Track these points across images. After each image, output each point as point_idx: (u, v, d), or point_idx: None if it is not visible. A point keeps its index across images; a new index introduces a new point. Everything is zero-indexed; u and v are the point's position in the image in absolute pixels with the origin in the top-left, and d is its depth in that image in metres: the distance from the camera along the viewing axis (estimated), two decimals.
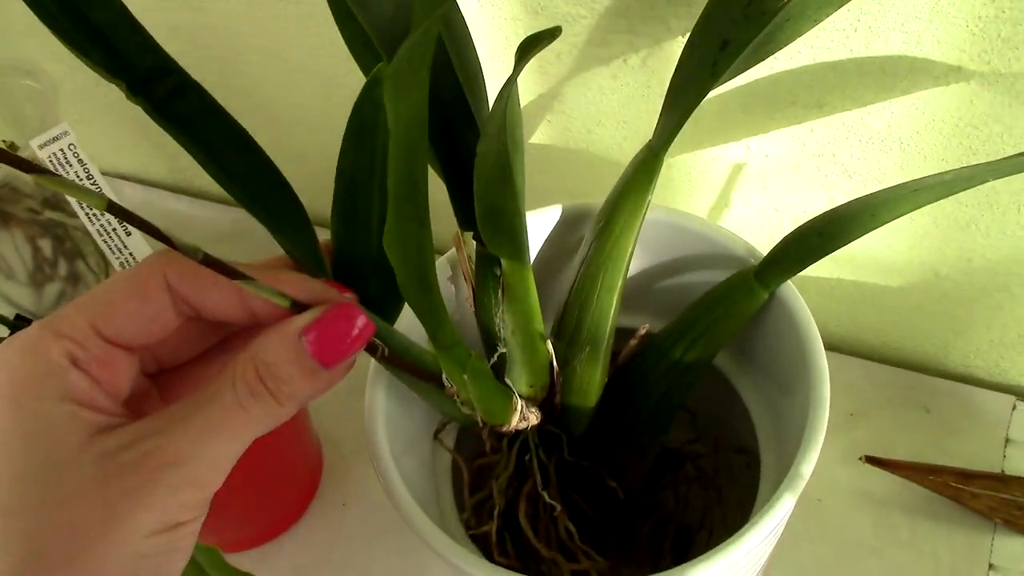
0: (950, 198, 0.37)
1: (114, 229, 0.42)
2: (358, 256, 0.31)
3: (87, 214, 0.41)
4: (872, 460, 0.42)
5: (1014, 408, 0.44)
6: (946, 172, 0.28)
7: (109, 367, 0.23)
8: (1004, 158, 0.27)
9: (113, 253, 0.42)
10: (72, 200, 0.41)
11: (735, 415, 0.39)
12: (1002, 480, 0.42)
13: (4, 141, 0.52)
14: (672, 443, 0.42)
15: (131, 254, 0.42)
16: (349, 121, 0.28)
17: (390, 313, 0.31)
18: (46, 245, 0.55)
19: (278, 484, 0.46)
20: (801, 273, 0.32)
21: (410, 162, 0.23)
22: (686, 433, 0.41)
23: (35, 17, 0.25)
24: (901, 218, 0.38)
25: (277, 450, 0.45)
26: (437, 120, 0.32)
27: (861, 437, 0.45)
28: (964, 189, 0.28)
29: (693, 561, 0.28)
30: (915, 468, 0.42)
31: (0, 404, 0.21)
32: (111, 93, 0.58)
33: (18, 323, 0.41)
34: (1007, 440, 0.44)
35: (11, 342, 0.22)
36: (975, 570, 0.40)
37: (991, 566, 0.40)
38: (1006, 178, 0.35)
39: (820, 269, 0.44)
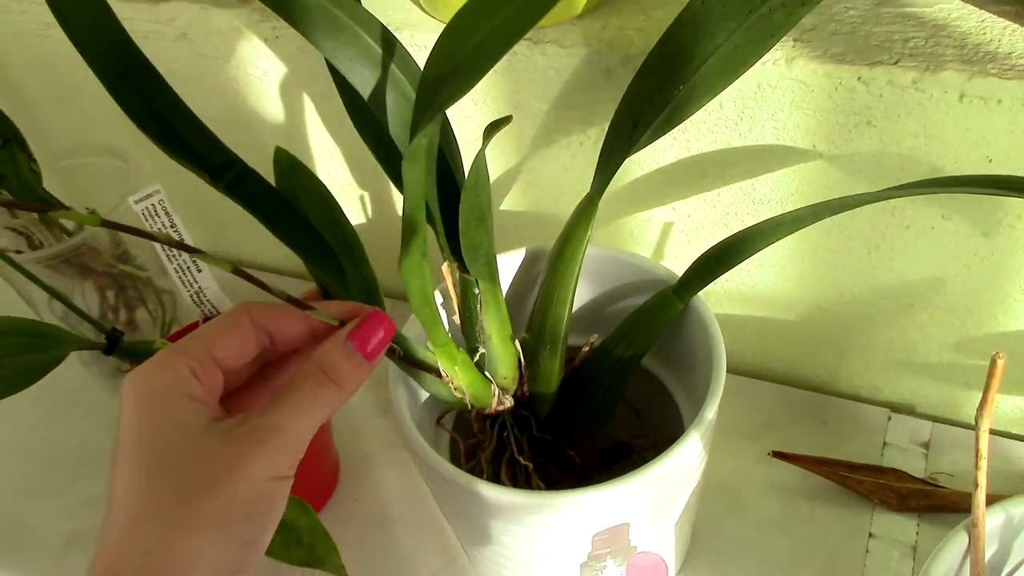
0: (820, 244, 0.50)
1: (187, 267, 0.54)
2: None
3: (167, 254, 0.53)
4: (778, 455, 0.54)
5: (889, 419, 0.56)
6: (798, 209, 0.41)
7: (214, 378, 0.33)
8: (829, 200, 0.40)
9: (185, 287, 0.54)
10: (158, 248, 0.53)
11: (668, 412, 0.51)
12: (880, 470, 0.53)
13: (87, 208, 0.64)
14: (621, 437, 0.53)
15: (200, 287, 0.54)
16: None
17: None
18: (112, 295, 0.66)
19: (305, 481, 0.56)
20: (719, 312, 0.43)
21: (416, 214, 0.36)
22: (633, 429, 0.53)
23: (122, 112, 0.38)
24: (789, 261, 0.51)
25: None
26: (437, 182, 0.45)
27: (771, 443, 0.56)
28: (810, 224, 0.40)
29: (617, 478, 0.39)
30: (812, 461, 0.54)
31: (146, 402, 0.31)
32: (169, 179, 0.71)
33: (115, 333, 0.52)
34: (884, 443, 0.55)
35: (151, 361, 0.32)
36: (858, 539, 0.51)
37: (870, 535, 0.51)
38: (860, 227, 0.49)
39: (734, 308, 0.56)
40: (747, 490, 0.54)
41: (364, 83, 0.41)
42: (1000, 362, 0.33)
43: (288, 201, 0.42)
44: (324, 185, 0.47)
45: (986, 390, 0.34)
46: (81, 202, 0.63)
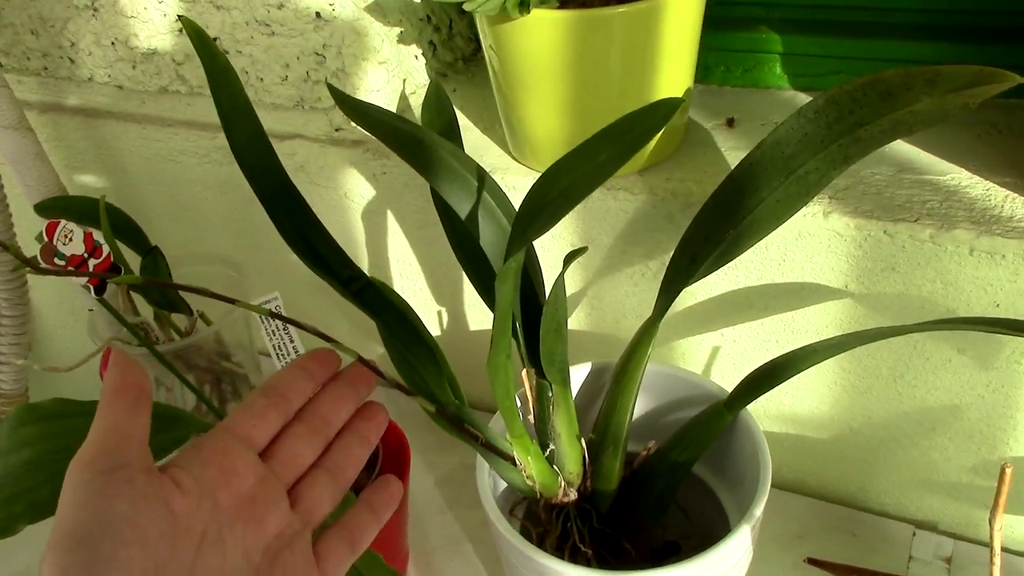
0: (852, 372, 0.57)
1: (288, 354, 0.61)
2: None
3: (276, 352, 0.61)
4: (813, 562, 0.59)
5: (914, 534, 0.62)
6: (833, 338, 0.48)
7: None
8: (860, 331, 0.47)
9: None
10: (266, 337, 0.61)
11: (715, 516, 0.57)
12: None
13: (197, 311, 0.72)
14: (672, 536, 0.58)
15: None
16: None
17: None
18: (207, 388, 0.74)
19: None
20: (761, 431, 0.51)
21: (504, 321, 0.44)
22: (682, 531, 0.58)
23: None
24: (823, 386, 0.58)
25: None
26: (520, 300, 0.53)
27: (805, 552, 0.61)
28: (844, 351, 0.48)
29: (672, 564, 0.45)
30: (844, 569, 0.59)
31: None
32: (269, 289, 0.80)
33: None
34: (910, 557, 0.61)
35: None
36: None
37: None
38: (886, 358, 0.56)
39: (772, 426, 0.63)
40: None
41: (465, 214, 0.50)
42: (1008, 471, 0.40)
43: (400, 309, 0.50)
44: (409, 306, 0.54)
45: (997, 495, 0.40)
46: (195, 306, 0.72)
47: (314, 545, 0.39)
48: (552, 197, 0.39)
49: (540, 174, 0.41)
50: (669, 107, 0.36)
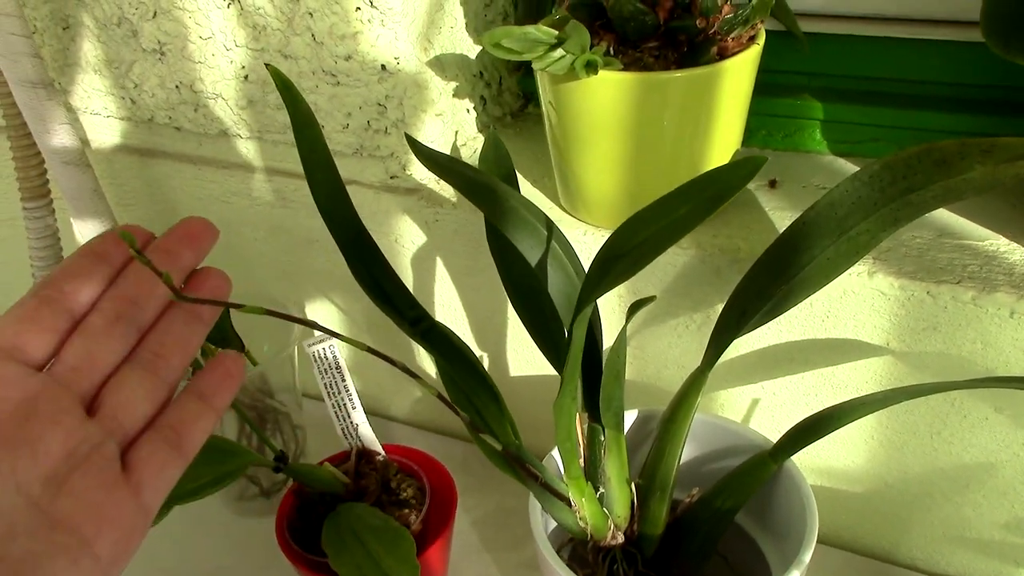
0: (889, 427, 0.59)
1: (343, 404, 0.63)
2: None
3: (328, 391, 0.63)
4: None
5: None
6: (881, 392, 0.50)
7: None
8: (907, 386, 0.49)
9: (339, 420, 0.63)
10: (318, 376, 0.62)
11: (756, 562, 0.58)
12: None
13: (246, 349, 0.74)
14: None
15: (352, 422, 0.63)
16: None
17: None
18: (248, 425, 0.75)
19: None
20: (806, 480, 0.52)
21: (575, 365, 0.46)
22: (724, 575, 0.60)
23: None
24: (860, 440, 0.60)
25: None
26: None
27: None
28: (890, 405, 0.50)
29: None
30: None
31: None
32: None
33: (283, 454, 0.61)
34: None
35: None
36: None
37: None
38: (924, 415, 0.58)
39: (809, 479, 0.64)
40: None
41: (535, 261, 0.52)
42: None
43: (463, 351, 0.52)
44: (470, 349, 0.56)
45: None
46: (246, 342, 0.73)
47: (126, 455, 0.33)
48: (631, 247, 0.41)
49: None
50: (753, 166, 0.38)
